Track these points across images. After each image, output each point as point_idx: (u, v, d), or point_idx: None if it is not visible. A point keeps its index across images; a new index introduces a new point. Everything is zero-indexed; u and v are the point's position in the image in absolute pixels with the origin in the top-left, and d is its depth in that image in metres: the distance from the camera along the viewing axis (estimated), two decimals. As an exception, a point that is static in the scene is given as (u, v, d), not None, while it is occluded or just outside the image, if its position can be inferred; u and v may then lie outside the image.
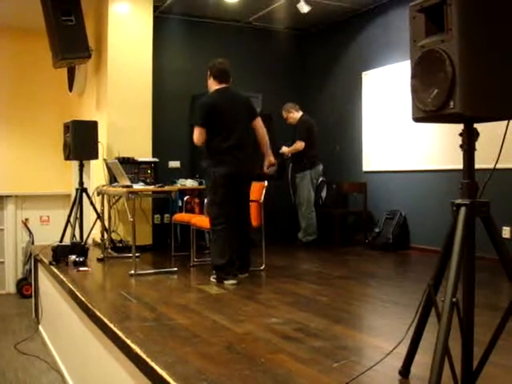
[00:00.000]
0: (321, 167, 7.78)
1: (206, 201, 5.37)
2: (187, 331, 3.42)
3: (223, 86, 5.24)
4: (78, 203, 6.79)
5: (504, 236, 5.98)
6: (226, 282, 4.99)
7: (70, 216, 6.92)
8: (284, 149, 7.73)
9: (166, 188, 6.12)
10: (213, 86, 5.25)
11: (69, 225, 6.89)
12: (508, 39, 2.22)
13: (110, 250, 6.64)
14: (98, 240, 6.80)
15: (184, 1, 7.85)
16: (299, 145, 7.59)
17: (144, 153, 7.29)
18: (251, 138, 5.30)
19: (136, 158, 7.13)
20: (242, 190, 5.25)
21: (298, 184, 7.72)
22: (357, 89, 8.32)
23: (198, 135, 5.08)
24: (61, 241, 6.76)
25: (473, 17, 2.15)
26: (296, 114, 7.81)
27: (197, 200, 7.59)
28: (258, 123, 5.33)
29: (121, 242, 6.99)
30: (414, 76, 2.35)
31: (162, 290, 4.85)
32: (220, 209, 5.11)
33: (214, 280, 5.10)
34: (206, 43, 8.47)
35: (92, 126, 6.87)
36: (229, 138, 5.07)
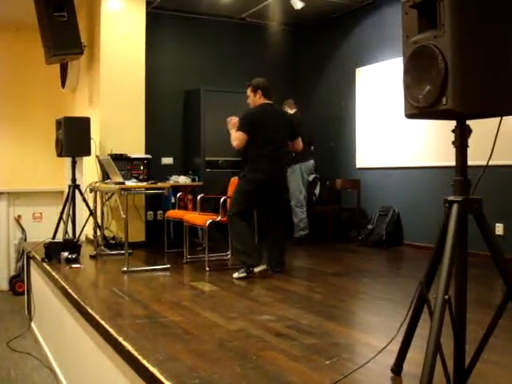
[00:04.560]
0: (311, 162, 7.79)
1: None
2: (179, 328, 3.41)
3: (268, 101, 5.58)
4: (70, 200, 6.75)
5: (497, 233, 5.99)
6: (256, 269, 5.22)
7: (62, 213, 6.89)
8: None
9: (159, 185, 6.10)
10: (259, 101, 5.56)
11: (61, 221, 6.85)
12: (501, 35, 2.21)
13: (102, 247, 6.62)
14: (91, 237, 6.77)
15: (177, -3, 7.85)
16: None
17: (137, 149, 7.26)
18: (286, 152, 5.73)
19: (129, 155, 7.11)
20: (273, 196, 5.50)
21: (288, 178, 7.70)
22: (350, 85, 8.31)
23: (238, 139, 5.40)
24: (53, 238, 6.72)
25: (466, 13, 2.14)
26: (289, 111, 7.81)
27: (190, 196, 7.58)
28: (298, 144, 5.76)
29: (113, 238, 6.97)
30: (406, 72, 2.34)
31: (154, 287, 4.83)
32: (241, 207, 5.36)
33: (242, 275, 5.17)
34: (199, 39, 8.46)
35: (84, 123, 6.84)
36: (267, 148, 5.38)
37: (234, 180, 5.88)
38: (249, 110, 5.63)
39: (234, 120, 5.56)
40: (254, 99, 5.58)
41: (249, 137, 5.38)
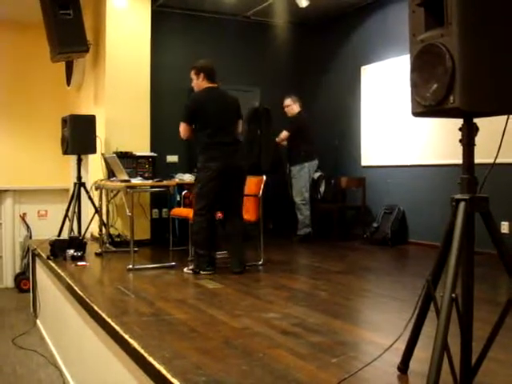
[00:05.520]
0: (316, 162, 7.81)
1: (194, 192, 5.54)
2: (185, 326, 3.42)
3: (213, 85, 5.45)
4: (76, 197, 6.77)
5: (502, 231, 5.98)
6: (202, 272, 5.21)
7: (68, 210, 6.91)
8: (277, 138, 7.85)
9: (164, 182, 6.11)
10: (203, 85, 5.42)
11: (67, 219, 6.87)
12: (508, 34, 2.21)
13: (107, 245, 6.63)
14: (96, 234, 6.78)
15: (182, -6, 7.85)
16: (283, 134, 7.78)
17: (142, 147, 7.27)
18: (236, 136, 5.51)
19: (134, 153, 7.12)
20: (233, 184, 5.36)
21: (295, 176, 7.72)
22: (355, 83, 8.31)
23: (182, 131, 5.38)
24: (59, 235, 6.74)
25: (473, 11, 2.14)
26: (294, 108, 7.83)
27: (195, 194, 7.58)
28: (239, 125, 5.60)
29: (119, 236, 6.98)
30: (413, 70, 2.33)
31: (159, 285, 4.84)
32: (205, 200, 5.26)
33: (189, 271, 5.29)
34: (205, 37, 8.44)
35: (90, 121, 6.86)
36: (217, 134, 5.28)
37: (258, 179, 5.77)
38: (192, 96, 5.53)
39: None
40: (197, 82, 5.44)
41: (195, 125, 5.33)
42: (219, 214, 5.55)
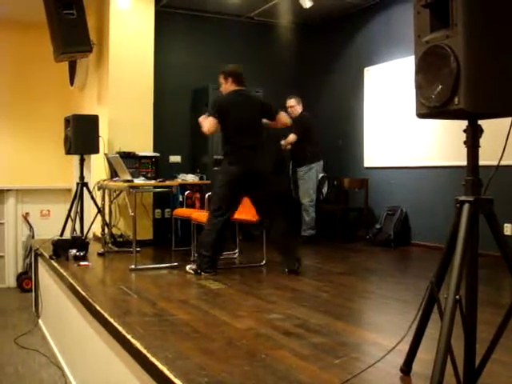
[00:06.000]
0: (322, 162, 7.81)
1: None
2: (188, 326, 3.41)
3: (240, 88, 5.43)
4: (78, 197, 6.77)
5: (505, 233, 5.97)
6: (203, 273, 5.18)
7: (70, 210, 6.90)
8: (282, 142, 7.81)
9: (167, 183, 6.11)
10: (230, 88, 5.42)
11: (69, 219, 6.87)
12: (513, 35, 2.21)
13: (110, 245, 6.63)
14: (99, 234, 6.79)
15: (186, -5, 7.85)
16: (291, 137, 7.68)
17: (145, 147, 7.27)
18: (262, 139, 5.48)
19: (137, 153, 7.12)
20: (258, 188, 5.34)
21: (302, 177, 7.70)
22: (359, 85, 8.30)
23: (208, 124, 5.27)
24: (61, 235, 6.75)
25: (478, 12, 2.14)
26: (298, 109, 7.81)
27: (198, 195, 7.58)
28: (281, 119, 5.61)
29: (121, 236, 6.97)
30: (418, 72, 2.33)
31: (162, 285, 4.84)
32: (221, 202, 5.25)
33: (191, 270, 5.26)
34: (208, 38, 8.45)
35: (93, 120, 6.85)
36: (242, 137, 5.28)
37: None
38: (217, 97, 5.55)
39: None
40: (226, 87, 5.44)
41: (221, 127, 5.29)
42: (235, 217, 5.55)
